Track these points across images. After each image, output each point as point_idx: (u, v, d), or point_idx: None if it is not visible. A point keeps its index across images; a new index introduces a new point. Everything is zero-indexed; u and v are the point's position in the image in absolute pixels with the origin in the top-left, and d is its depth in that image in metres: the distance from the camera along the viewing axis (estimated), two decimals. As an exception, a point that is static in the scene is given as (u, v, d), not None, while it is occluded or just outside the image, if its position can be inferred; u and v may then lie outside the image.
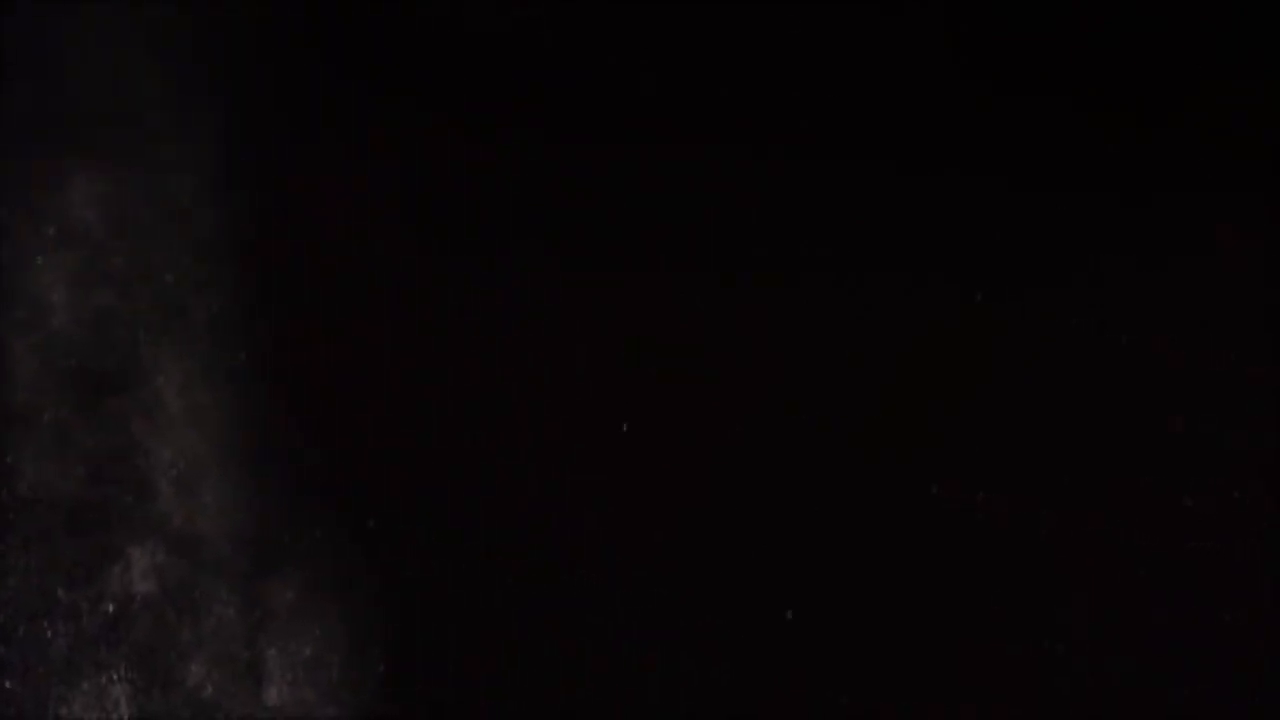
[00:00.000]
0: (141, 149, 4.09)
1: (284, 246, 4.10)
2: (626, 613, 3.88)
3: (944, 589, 3.83)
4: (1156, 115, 4.03)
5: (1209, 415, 3.91)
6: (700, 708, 3.82)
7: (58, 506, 3.90)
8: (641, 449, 3.97)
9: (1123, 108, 4.04)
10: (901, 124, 4.08)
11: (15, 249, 4.00)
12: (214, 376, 4.01)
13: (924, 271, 4.02)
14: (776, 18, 4.12)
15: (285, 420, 4.01)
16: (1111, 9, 4.04)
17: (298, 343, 4.06)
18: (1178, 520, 3.85)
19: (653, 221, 4.09)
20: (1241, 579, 3.80)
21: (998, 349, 3.98)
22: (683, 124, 4.12)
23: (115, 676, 3.84)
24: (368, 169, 4.13)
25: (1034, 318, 3.99)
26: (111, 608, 3.87)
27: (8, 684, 3.81)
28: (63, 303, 4.00)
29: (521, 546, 3.95)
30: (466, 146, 4.13)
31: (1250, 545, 3.82)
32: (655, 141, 4.12)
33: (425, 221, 4.11)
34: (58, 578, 3.87)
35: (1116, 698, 3.74)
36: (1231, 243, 3.98)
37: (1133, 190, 4.03)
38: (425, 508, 3.97)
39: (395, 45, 4.18)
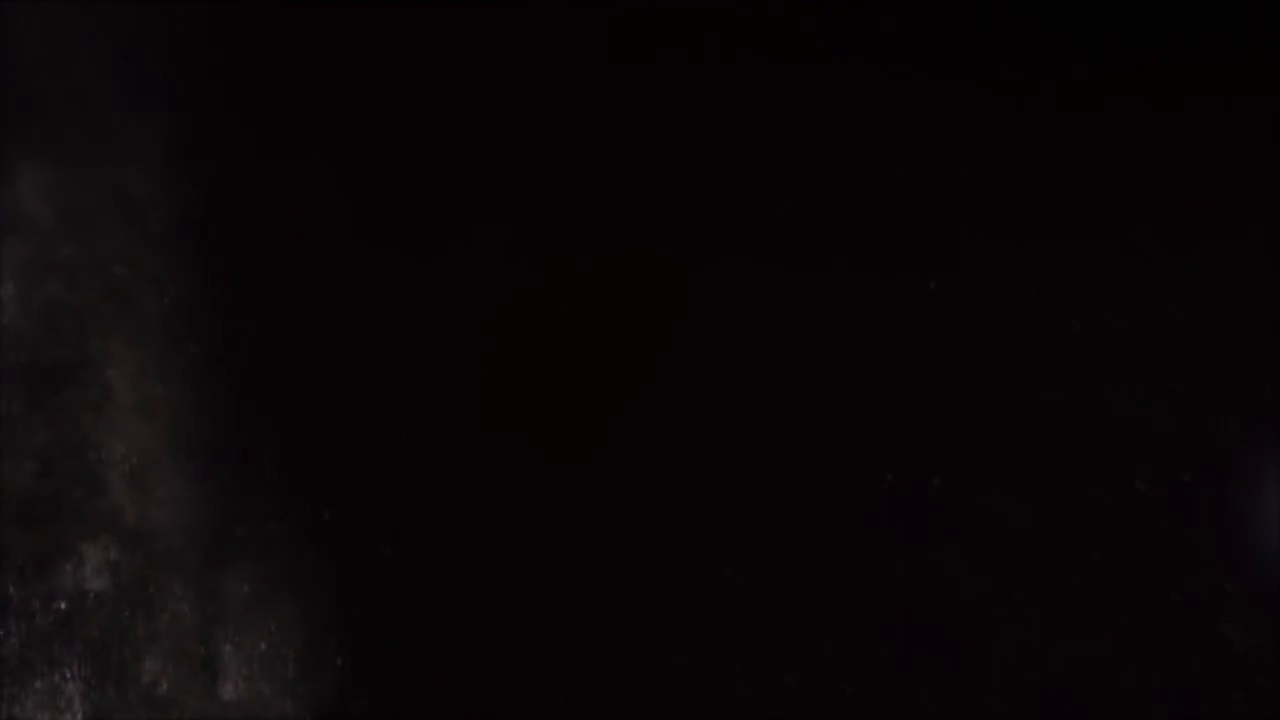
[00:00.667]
0: (91, 139, 4.05)
1: (237, 238, 4.08)
2: (586, 604, 3.87)
3: (899, 573, 3.85)
4: (1109, 101, 4.07)
5: (1159, 400, 3.95)
6: (661, 698, 3.82)
7: (8, 501, 3.85)
8: (597, 440, 3.97)
9: (1076, 95, 4.07)
10: (860, 115, 4.10)
11: (-39, 242, 3.97)
12: (166, 369, 3.98)
13: (878, 259, 4.04)
14: (713, 14, 4.14)
15: (239, 413, 3.99)
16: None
17: (251, 334, 4.04)
18: (1129, 503, 3.89)
19: (598, 215, 4.09)
20: (1191, 560, 3.84)
21: (951, 336, 4.00)
22: (623, 119, 4.12)
23: (69, 674, 3.80)
24: (322, 163, 4.11)
25: (985, 304, 4.01)
26: (64, 604, 3.82)
27: (-41, 683, 3.77)
28: (11, 295, 3.95)
29: (479, 538, 3.93)
30: (418, 145, 4.12)
31: (1199, 528, 3.86)
32: (599, 137, 4.12)
33: (381, 216, 4.10)
34: (9, 574, 3.82)
35: (1068, 678, 3.78)
36: (1186, 230, 4.02)
37: (1087, 179, 4.06)
38: (381, 500, 3.95)
39: (349, 44, 4.16)
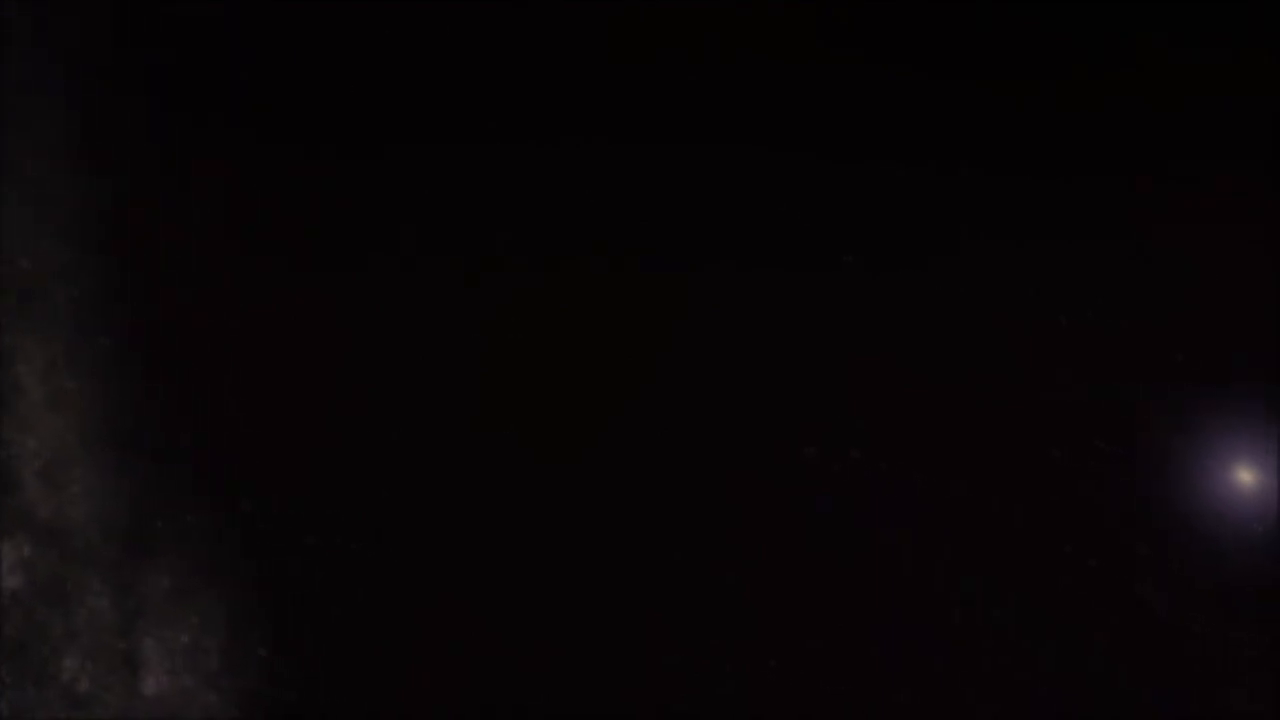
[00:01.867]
0: (-7, 132, 3.99)
1: (146, 229, 4.01)
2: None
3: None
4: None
5: (1072, 374, 3.99)
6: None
7: (-82, 502, 3.80)
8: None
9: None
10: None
11: None
12: (77, 362, 3.92)
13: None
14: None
15: (153, 404, 3.94)
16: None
17: (163, 326, 3.98)
18: (1045, 470, 3.93)
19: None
20: (1102, 523, 3.89)
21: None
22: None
23: (-14, 674, 3.75)
24: (226, 162, 4.05)
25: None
26: (-21, 603, 3.77)
27: (-127, 687, 3.70)
28: (-86, 291, 3.88)
29: (399, 525, 3.92)
30: (316, 151, 4.07)
31: (1109, 491, 3.91)
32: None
33: (286, 213, 4.05)
34: (-79, 575, 3.77)
35: (982, 636, 3.82)
36: (1088, 219, 4.05)
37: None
38: (301, 489, 3.92)
39: (241, 57, 4.11)
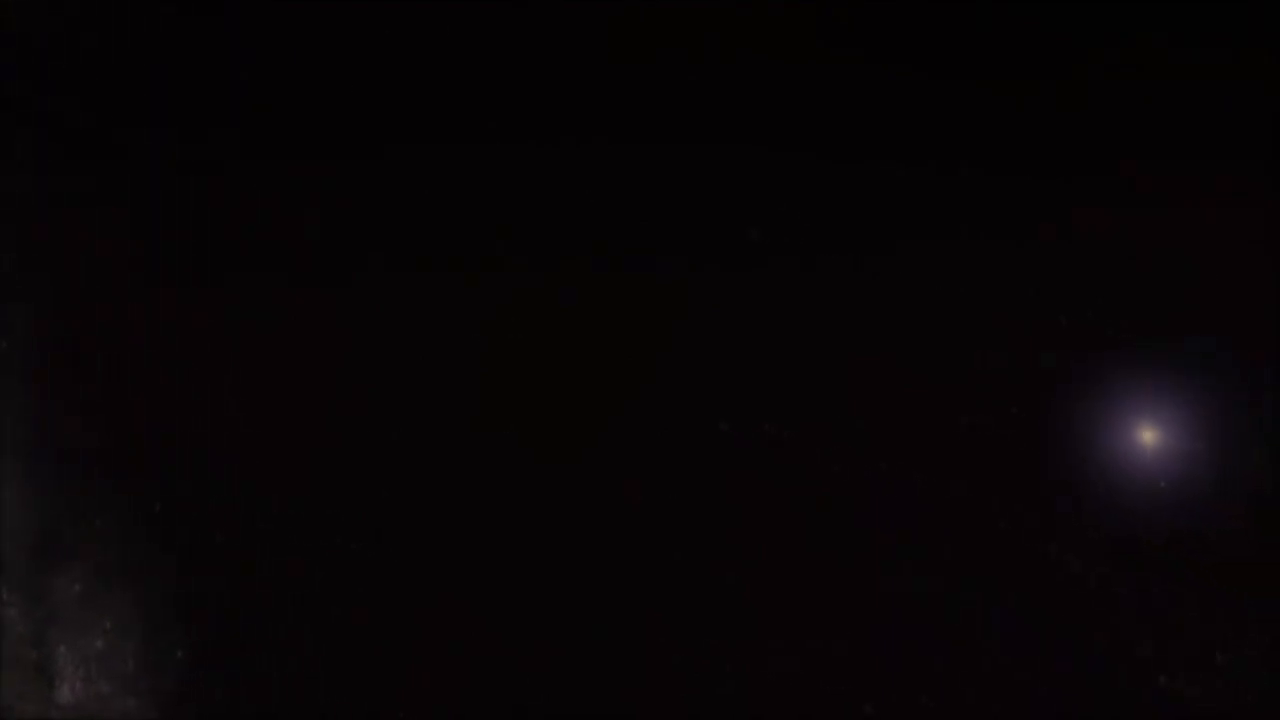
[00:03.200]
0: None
1: (45, 231, 3.95)
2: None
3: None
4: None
5: (981, 345, 3.98)
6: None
7: None
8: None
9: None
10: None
11: None
12: (-27, 366, 3.86)
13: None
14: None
15: (56, 407, 3.85)
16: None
17: (65, 327, 3.89)
18: (956, 438, 3.94)
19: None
20: (1013, 489, 3.88)
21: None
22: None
23: (-108, 690, 3.70)
24: (125, 157, 3.99)
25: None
26: (-119, 619, 3.72)
27: None
28: None
29: (314, 523, 3.86)
30: (218, 159, 4.01)
31: (1019, 457, 3.91)
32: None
33: (191, 213, 4.00)
34: None
35: (894, 600, 3.83)
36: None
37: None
38: (213, 488, 3.85)
39: (186, 42, 4.06)
